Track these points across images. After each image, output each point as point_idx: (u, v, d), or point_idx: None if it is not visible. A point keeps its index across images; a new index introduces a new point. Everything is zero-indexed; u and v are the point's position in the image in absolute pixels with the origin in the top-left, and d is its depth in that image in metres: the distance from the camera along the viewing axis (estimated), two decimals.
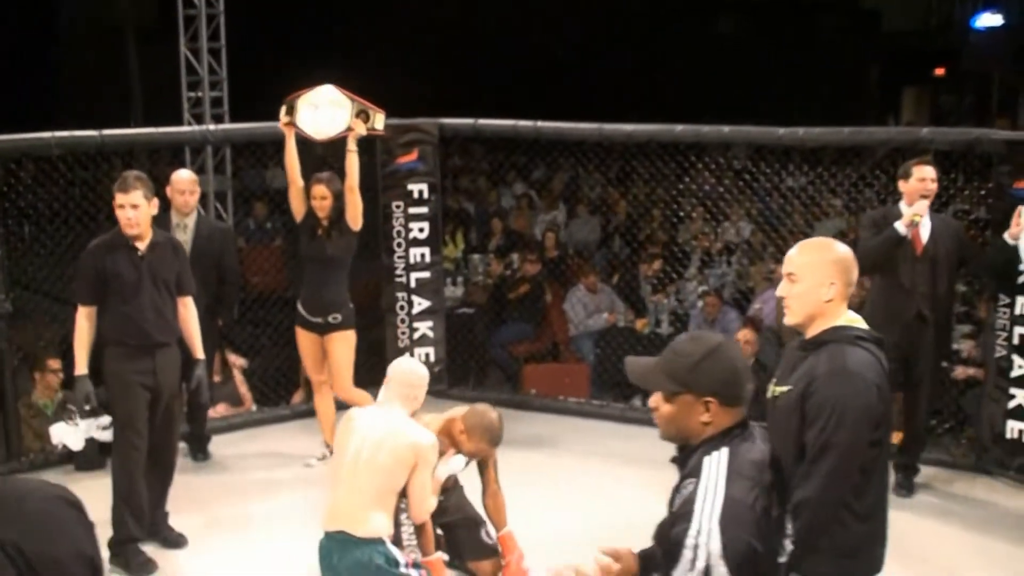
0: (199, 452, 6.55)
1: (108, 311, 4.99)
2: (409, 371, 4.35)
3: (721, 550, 2.32)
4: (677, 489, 2.57)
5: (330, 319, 6.13)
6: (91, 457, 6.32)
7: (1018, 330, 6.07)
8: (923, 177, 5.70)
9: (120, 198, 4.93)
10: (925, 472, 6.33)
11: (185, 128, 7.85)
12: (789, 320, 3.05)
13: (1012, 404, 6.13)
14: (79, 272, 5.07)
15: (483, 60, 20.33)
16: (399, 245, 7.44)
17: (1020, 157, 6.06)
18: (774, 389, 3.05)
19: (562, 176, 12.62)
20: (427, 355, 7.51)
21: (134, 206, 4.91)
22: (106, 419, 6.57)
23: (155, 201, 5.07)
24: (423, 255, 7.48)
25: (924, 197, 5.66)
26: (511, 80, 19.46)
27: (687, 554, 2.35)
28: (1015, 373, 6.10)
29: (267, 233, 10.31)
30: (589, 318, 8.73)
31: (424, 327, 7.48)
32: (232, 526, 5.57)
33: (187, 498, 5.68)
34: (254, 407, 7.48)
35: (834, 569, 2.97)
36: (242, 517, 5.70)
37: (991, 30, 24.48)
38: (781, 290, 3.05)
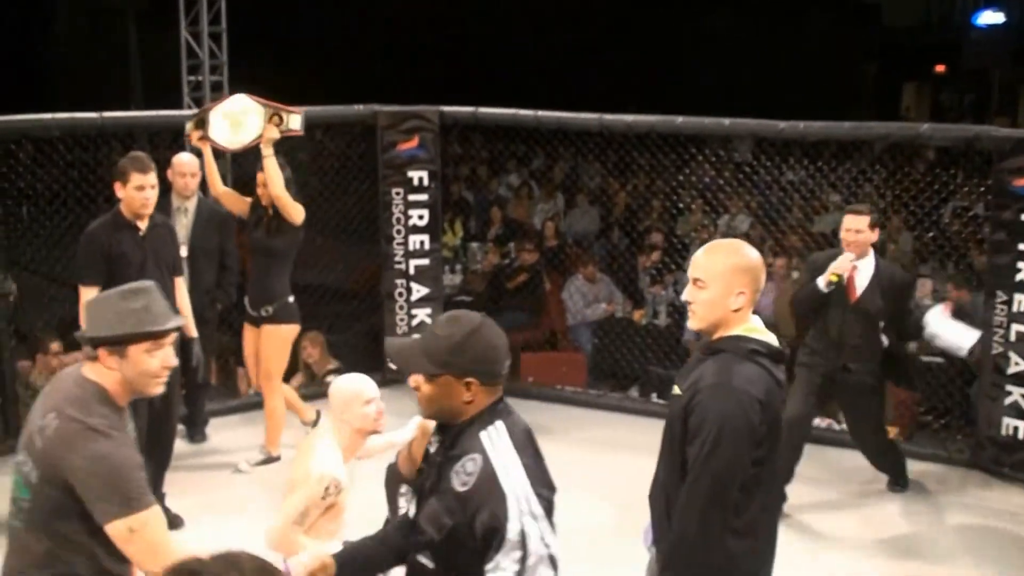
0: (196, 434, 6.56)
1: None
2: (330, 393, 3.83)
3: (541, 511, 2.39)
4: (449, 467, 2.49)
5: (263, 312, 5.95)
6: None
7: (1015, 327, 6.08)
8: (848, 227, 5.54)
9: (139, 178, 4.96)
10: (920, 467, 6.35)
11: (186, 111, 7.82)
12: (693, 325, 3.00)
13: (1008, 401, 6.14)
14: (85, 253, 5.04)
15: (485, 49, 20.32)
16: (398, 232, 7.44)
17: None
18: (675, 388, 3.02)
19: (562, 166, 12.60)
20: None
21: (153, 186, 4.99)
22: None
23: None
24: (422, 242, 7.48)
25: (851, 247, 5.49)
26: (513, 69, 19.46)
27: (512, 527, 2.36)
28: (1012, 370, 6.11)
29: None
30: (587, 308, 8.74)
31: (423, 314, 7.49)
32: (228, 508, 5.58)
33: (184, 480, 5.70)
34: (251, 391, 7.48)
35: None
36: (238, 499, 5.71)
37: (992, 27, 24.49)
38: (687, 295, 2.97)
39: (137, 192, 4.96)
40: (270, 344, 5.97)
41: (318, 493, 3.45)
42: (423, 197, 7.46)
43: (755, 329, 2.93)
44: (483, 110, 7.45)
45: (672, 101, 8.64)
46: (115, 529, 2.59)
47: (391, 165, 7.42)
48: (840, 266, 5.46)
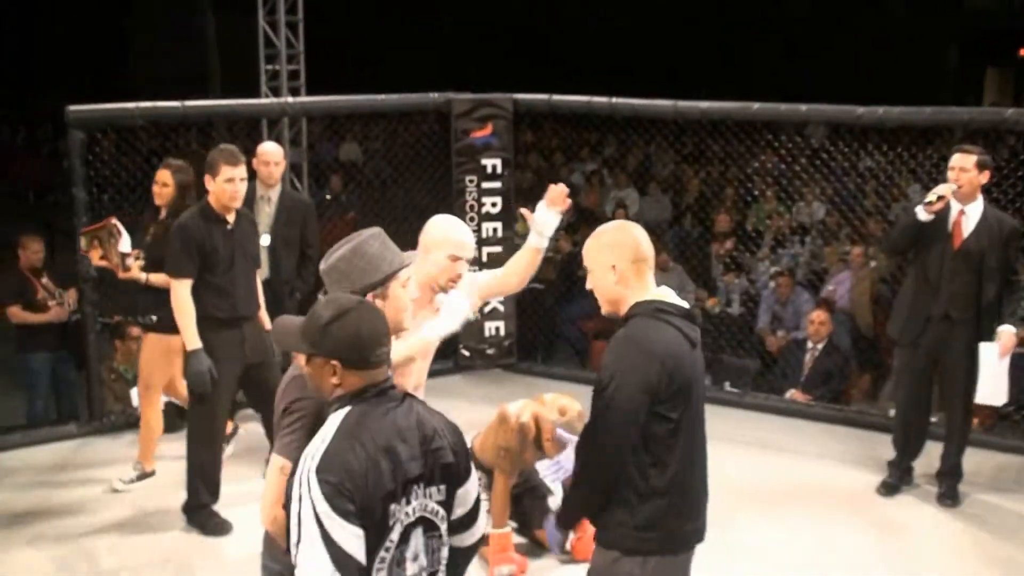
0: None
1: (202, 285, 5.00)
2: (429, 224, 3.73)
3: (320, 494, 2.32)
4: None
5: (149, 319, 5.65)
6: (170, 419, 6.48)
7: None
8: (953, 166, 5.35)
9: (230, 171, 4.95)
10: (1001, 459, 6.24)
11: (264, 100, 7.95)
12: (603, 311, 3.11)
13: None
14: (180, 246, 4.97)
15: (559, 36, 20.29)
16: (471, 220, 7.48)
17: None
18: None
19: (635, 153, 12.55)
20: (497, 329, 7.57)
21: (243, 179, 5.02)
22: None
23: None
24: (495, 229, 7.52)
25: (957, 184, 5.29)
26: (585, 56, 19.40)
27: (292, 507, 2.35)
28: None
29: (342, 205, 10.44)
30: None
31: (495, 301, 7.51)
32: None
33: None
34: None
35: (632, 543, 2.97)
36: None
37: None
38: (588, 284, 3.12)
39: (227, 185, 4.95)
40: (152, 353, 5.66)
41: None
42: (496, 185, 7.49)
43: (661, 293, 3.03)
44: (557, 97, 7.45)
45: (748, 87, 8.56)
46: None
47: (464, 153, 7.46)
48: (942, 190, 5.26)
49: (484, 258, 7.48)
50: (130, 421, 6.52)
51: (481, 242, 7.49)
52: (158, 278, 5.40)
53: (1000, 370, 5.37)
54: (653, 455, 2.92)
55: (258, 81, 8.59)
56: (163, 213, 5.62)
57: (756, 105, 6.89)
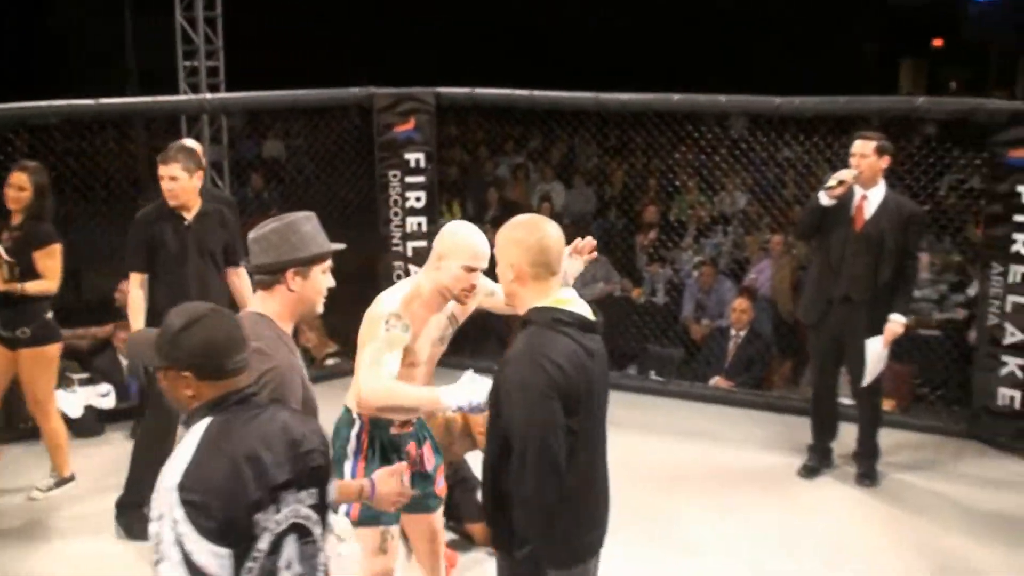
0: None
1: (155, 281, 5.04)
2: (444, 231, 3.61)
3: (182, 514, 2.23)
4: None
5: (19, 333, 5.31)
6: (90, 424, 6.38)
7: (1011, 298, 6.11)
8: (854, 152, 5.49)
9: (160, 169, 4.99)
10: (918, 439, 6.41)
11: (182, 97, 7.84)
12: (505, 302, 3.13)
13: (1004, 371, 6.19)
14: (130, 241, 5.07)
15: (482, 29, 20.26)
16: (395, 215, 7.46)
17: (1021, 127, 6.03)
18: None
19: (559, 147, 12.60)
20: None
21: (172, 178, 4.97)
22: (105, 387, 6.63)
23: (200, 173, 5.10)
24: (420, 224, 7.50)
25: (856, 169, 5.43)
26: (507, 50, 19.41)
27: (152, 526, 2.26)
28: (1007, 341, 6.15)
29: (264, 203, 10.32)
30: (585, 287, 8.76)
31: None
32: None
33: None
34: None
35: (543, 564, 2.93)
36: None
37: (992, 2, 24.39)
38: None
39: (161, 182, 5.00)
40: (35, 369, 5.40)
41: (379, 331, 3.37)
42: (420, 179, 7.47)
43: (564, 300, 2.97)
44: (479, 91, 7.46)
45: (670, 78, 8.65)
46: None
47: (387, 147, 7.43)
48: (842, 174, 5.40)
49: (409, 253, 7.47)
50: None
51: (406, 236, 7.47)
52: (34, 286, 5.23)
53: (883, 356, 5.57)
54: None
55: (177, 79, 8.47)
56: (18, 218, 5.27)
57: (676, 96, 6.97)
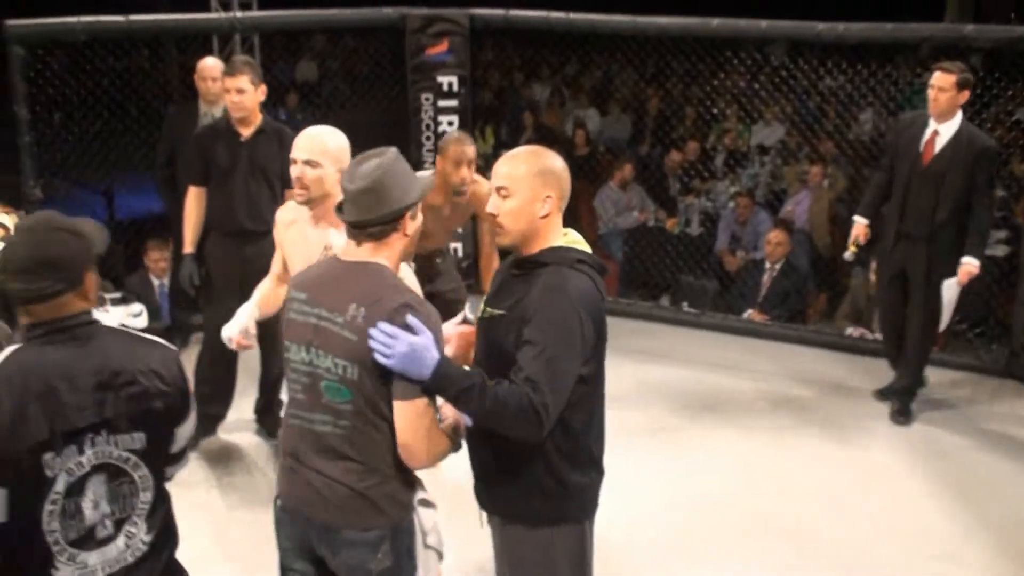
0: None
1: (209, 196, 5.09)
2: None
3: None
4: None
5: None
6: None
7: None
8: (933, 84, 5.29)
9: (227, 82, 4.98)
10: (954, 376, 6.32)
11: (212, 15, 7.71)
12: (503, 240, 2.76)
13: None
14: (189, 154, 5.19)
15: None
16: (428, 139, 7.36)
17: None
18: (486, 309, 2.80)
19: (595, 72, 12.40)
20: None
21: (240, 90, 4.95)
22: (137, 307, 6.62)
23: (263, 87, 5.09)
24: None
25: (934, 104, 5.26)
26: None
27: None
28: None
29: (298, 124, 10.22)
30: (619, 216, 8.66)
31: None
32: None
33: None
34: None
35: (572, 510, 2.80)
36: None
37: None
38: (491, 207, 2.73)
39: (226, 95, 5.02)
40: None
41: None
42: (453, 103, 7.36)
43: (577, 240, 2.79)
44: (514, 12, 7.29)
45: (708, 3, 8.43)
46: (404, 408, 2.57)
47: (420, 70, 7.30)
48: (856, 237, 5.58)
49: None
50: None
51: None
52: None
53: (953, 300, 5.43)
54: (579, 416, 2.74)
55: None
56: None
57: (715, 21, 6.78)
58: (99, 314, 6.00)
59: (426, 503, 2.76)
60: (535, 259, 2.73)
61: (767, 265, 7.41)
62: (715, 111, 9.75)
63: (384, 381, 2.56)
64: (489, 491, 2.86)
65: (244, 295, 4.92)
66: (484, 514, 2.93)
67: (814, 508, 4.79)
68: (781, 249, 7.30)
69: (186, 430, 2.44)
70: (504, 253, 2.89)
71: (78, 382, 2.22)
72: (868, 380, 6.12)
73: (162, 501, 2.43)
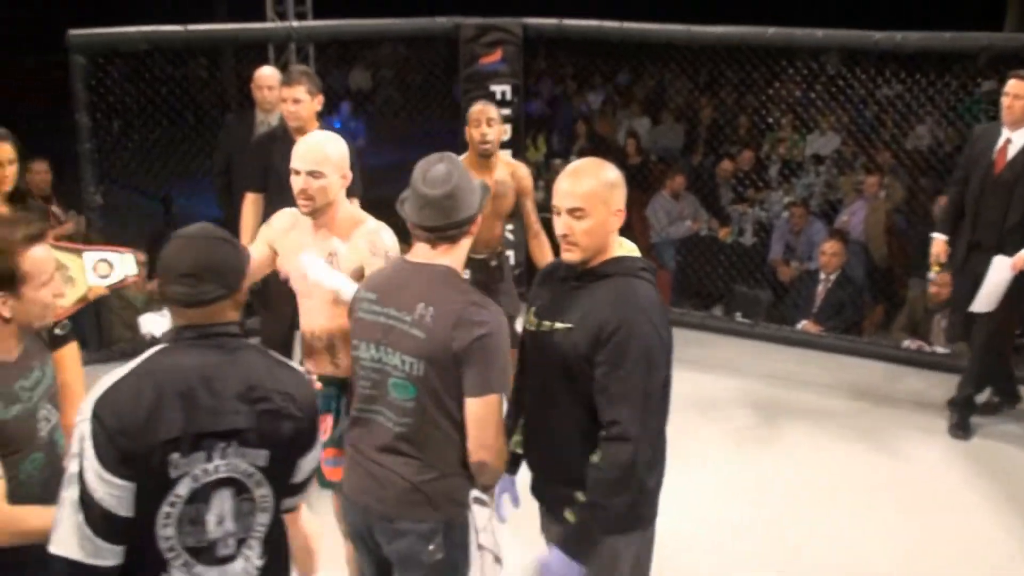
0: None
1: (266, 202, 5.11)
2: None
3: (89, 433, 2.14)
4: None
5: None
6: None
7: None
8: (1008, 91, 5.23)
9: (284, 92, 5.06)
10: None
11: (268, 24, 7.81)
12: (574, 258, 2.69)
13: None
14: (246, 161, 5.24)
15: None
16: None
17: None
18: (541, 322, 2.77)
19: (647, 81, 12.37)
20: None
21: (296, 100, 5.02)
22: None
23: (320, 97, 5.16)
24: None
25: (1008, 112, 5.19)
26: None
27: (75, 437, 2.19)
28: None
29: (350, 132, 10.33)
30: (671, 225, 8.62)
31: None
32: None
33: None
34: None
35: (636, 517, 2.78)
36: None
37: None
38: (563, 227, 2.68)
39: (283, 105, 5.10)
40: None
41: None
42: (505, 112, 7.36)
43: (631, 248, 2.77)
44: (567, 22, 7.28)
45: (763, 12, 8.37)
46: (478, 405, 2.65)
47: (473, 79, 7.32)
48: (937, 255, 5.55)
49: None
50: (139, 349, 6.48)
51: None
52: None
53: (1002, 284, 5.27)
54: (659, 420, 2.75)
55: (264, 6, 8.44)
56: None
57: (771, 30, 6.73)
58: (158, 317, 6.10)
59: (481, 501, 2.80)
60: (598, 271, 2.70)
61: (822, 276, 7.32)
62: (770, 120, 9.66)
63: (452, 378, 2.65)
64: (561, 498, 2.78)
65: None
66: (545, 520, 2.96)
67: (866, 520, 4.73)
68: (836, 260, 7.22)
69: (309, 462, 2.41)
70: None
71: (217, 388, 2.24)
72: (925, 393, 6.03)
73: (279, 527, 2.40)
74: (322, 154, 3.41)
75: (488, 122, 4.93)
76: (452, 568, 2.75)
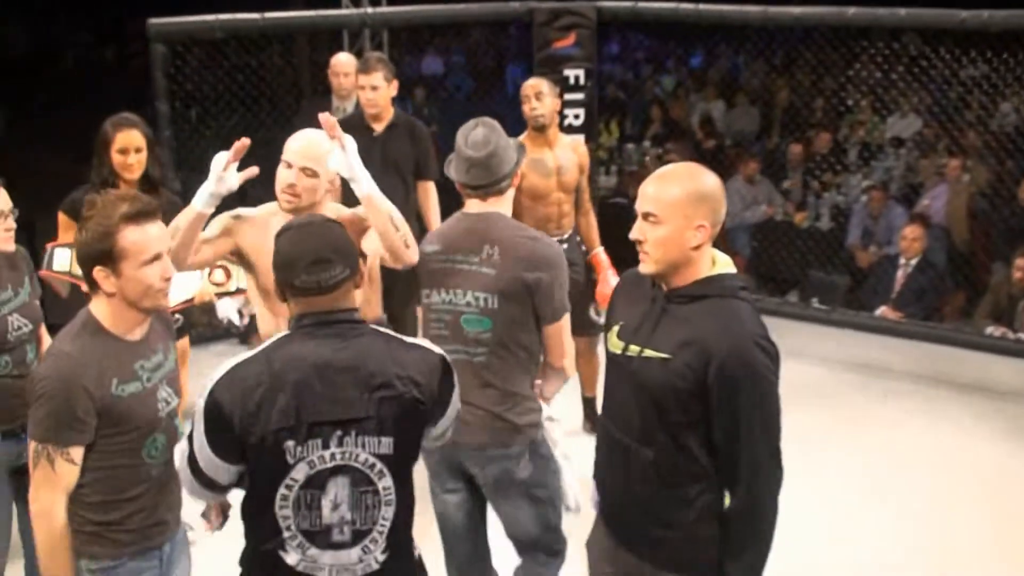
0: None
1: (343, 189, 5.12)
2: None
3: (202, 410, 2.29)
4: None
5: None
6: (254, 331, 6.56)
7: None
8: None
9: (361, 79, 5.12)
10: None
11: (343, 11, 7.87)
12: (646, 269, 2.51)
13: None
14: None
15: None
16: None
17: None
18: (628, 346, 2.54)
19: (722, 64, 12.21)
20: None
21: (374, 87, 5.08)
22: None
23: (395, 83, 5.22)
24: None
25: None
26: None
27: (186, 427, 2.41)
28: None
29: (424, 119, 10.37)
30: (746, 210, 8.51)
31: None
32: None
33: None
34: None
35: (710, 555, 2.56)
36: None
37: None
38: (636, 232, 2.49)
39: (360, 92, 5.16)
40: None
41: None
42: (579, 96, 7.30)
43: (726, 263, 2.55)
44: (642, 4, 7.21)
45: None
46: (557, 327, 3.18)
47: (546, 63, 7.28)
48: None
49: None
50: (216, 334, 6.64)
51: None
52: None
53: None
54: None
55: None
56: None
57: (852, 10, 6.57)
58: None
59: (551, 419, 3.28)
60: (689, 292, 2.49)
61: (902, 261, 7.16)
62: (849, 102, 9.47)
63: (527, 306, 3.10)
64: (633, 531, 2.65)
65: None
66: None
67: (949, 509, 4.63)
68: (917, 244, 7.05)
69: (442, 432, 2.51)
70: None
71: (333, 377, 2.26)
72: (1012, 381, 5.88)
73: (405, 520, 2.40)
74: (318, 152, 3.24)
75: (537, 96, 4.99)
76: (543, 479, 3.21)
